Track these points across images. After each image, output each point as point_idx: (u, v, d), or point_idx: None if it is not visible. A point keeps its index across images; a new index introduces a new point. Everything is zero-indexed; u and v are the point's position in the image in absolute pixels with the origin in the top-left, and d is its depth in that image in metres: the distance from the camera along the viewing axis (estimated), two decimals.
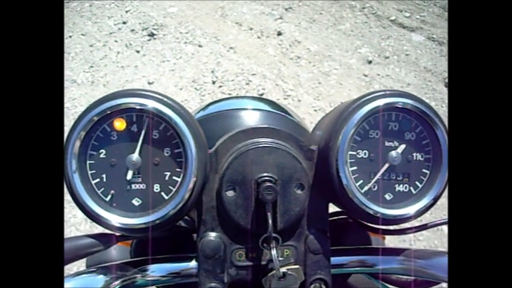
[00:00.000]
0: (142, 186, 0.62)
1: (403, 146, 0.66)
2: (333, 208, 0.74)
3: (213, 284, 0.64)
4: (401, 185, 0.67)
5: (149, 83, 3.62)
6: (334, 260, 0.68)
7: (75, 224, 2.58)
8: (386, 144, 0.66)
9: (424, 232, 2.58)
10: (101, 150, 0.62)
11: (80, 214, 2.67)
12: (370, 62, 3.85)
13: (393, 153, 0.65)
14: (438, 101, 3.47)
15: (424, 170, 0.67)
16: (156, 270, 0.66)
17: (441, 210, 2.65)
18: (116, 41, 4.11)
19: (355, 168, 0.65)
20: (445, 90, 3.59)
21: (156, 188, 0.62)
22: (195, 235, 0.69)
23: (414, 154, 0.66)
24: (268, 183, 0.60)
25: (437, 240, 2.58)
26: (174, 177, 0.62)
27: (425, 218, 0.75)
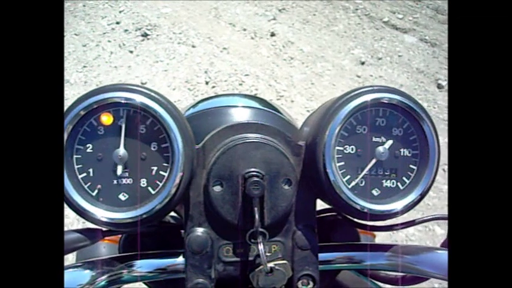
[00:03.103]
0: (129, 181, 0.62)
1: (390, 142, 0.66)
2: (322, 206, 0.74)
3: (200, 280, 0.64)
4: (388, 181, 0.67)
5: (142, 83, 3.62)
6: (322, 256, 0.68)
7: (67, 225, 2.56)
8: (374, 139, 0.66)
9: (416, 233, 2.60)
10: (87, 145, 0.61)
11: (72, 215, 2.66)
12: (363, 63, 3.87)
13: (380, 148, 0.65)
14: (430, 102, 3.49)
15: (411, 166, 0.67)
16: (143, 266, 0.66)
17: (433, 211, 2.66)
18: (109, 41, 4.10)
19: (342, 163, 0.65)
20: (437, 91, 3.61)
21: (143, 182, 0.62)
22: (183, 231, 0.69)
23: (401, 150, 0.66)
24: (255, 178, 0.60)
25: (429, 240, 2.58)
26: (161, 172, 0.62)
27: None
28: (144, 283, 0.75)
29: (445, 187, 2.77)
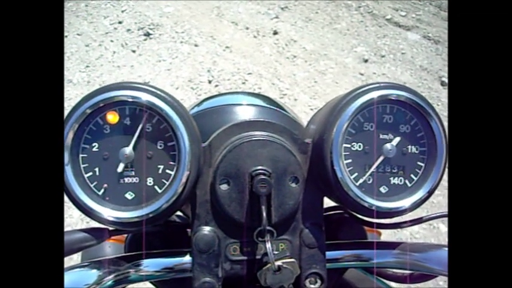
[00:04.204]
0: (135, 179, 0.62)
1: (398, 139, 0.65)
2: (329, 204, 0.74)
3: (207, 279, 0.64)
4: (396, 178, 0.66)
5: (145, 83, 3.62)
6: (329, 254, 0.68)
7: (71, 224, 2.57)
8: (381, 136, 0.65)
9: (420, 231, 2.59)
10: (93, 144, 0.61)
11: (76, 214, 2.67)
12: (366, 61, 3.86)
13: (388, 145, 0.65)
14: (434, 99, 3.48)
15: (419, 163, 0.66)
16: (150, 265, 0.66)
17: (438, 209, 2.65)
18: (111, 41, 4.10)
19: (349, 161, 0.65)
20: (441, 88, 3.60)
21: (149, 181, 0.62)
22: (189, 230, 0.69)
23: (409, 147, 0.66)
24: (262, 176, 0.60)
25: (434, 238, 2.58)
26: (168, 171, 0.62)
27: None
28: (151, 282, 0.75)
29: None
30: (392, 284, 0.87)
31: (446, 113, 3.29)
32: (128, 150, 0.61)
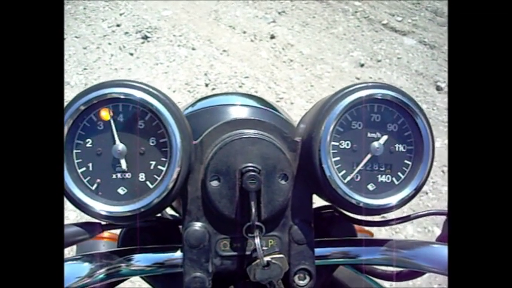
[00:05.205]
0: (127, 175, 0.63)
1: (385, 137, 0.66)
2: (321, 203, 0.75)
3: (197, 274, 0.65)
4: (383, 176, 0.67)
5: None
6: (318, 251, 0.68)
7: None
8: (369, 135, 0.66)
9: (414, 234, 2.60)
10: (87, 140, 0.62)
11: (71, 216, 2.67)
12: (362, 65, 3.88)
13: (375, 144, 0.66)
14: (429, 103, 3.50)
15: (406, 161, 0.68)
16: (141, 260, 0.66)
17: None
18: (109, 44, 4.11)
19: (338, 158, 0.66)
20: (436, 93, 3.62)
21: (141, 177, 0.63)
22: (181, 226, 0.70)
23: (396, 145, 0.67)
24: (252, 173, 0.61)
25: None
26: (159, 167, 0.63)
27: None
28: (142, 278, 0.76)
29: (444, 188, 2.78)
30: (385, 283, 0.88)
31: (441, 118, 3.31)
32: (121, 146, 0.62)
